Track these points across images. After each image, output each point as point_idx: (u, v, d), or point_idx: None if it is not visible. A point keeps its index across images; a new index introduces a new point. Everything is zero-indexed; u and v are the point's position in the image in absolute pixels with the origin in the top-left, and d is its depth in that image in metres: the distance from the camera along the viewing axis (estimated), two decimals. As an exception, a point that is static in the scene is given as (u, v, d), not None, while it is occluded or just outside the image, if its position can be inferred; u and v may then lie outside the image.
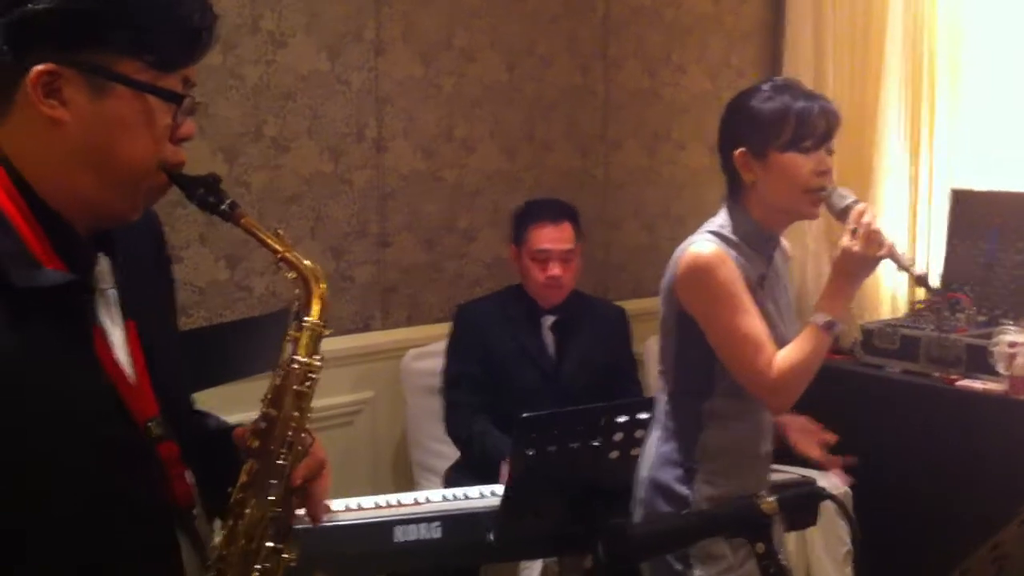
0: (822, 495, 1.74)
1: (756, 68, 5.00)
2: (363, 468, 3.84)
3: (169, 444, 1.37)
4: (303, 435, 1.41)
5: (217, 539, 1.42)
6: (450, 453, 3.55)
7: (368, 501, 2.86)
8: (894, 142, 4.61)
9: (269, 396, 1.41)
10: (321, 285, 1.44)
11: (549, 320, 3.56)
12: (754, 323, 2.25)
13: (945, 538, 3.67)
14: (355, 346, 3.79)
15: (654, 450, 2.43)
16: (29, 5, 1.22)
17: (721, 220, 2.37)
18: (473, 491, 2.99)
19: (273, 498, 1.38)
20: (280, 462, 1.38)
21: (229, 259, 3.50)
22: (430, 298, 4.06)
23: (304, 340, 1.42)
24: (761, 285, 2.33)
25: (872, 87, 4.64)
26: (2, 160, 1.26)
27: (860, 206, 2.23)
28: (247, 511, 1.38)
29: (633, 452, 2.75)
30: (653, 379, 3.89)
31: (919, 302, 4.32)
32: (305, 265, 1.44)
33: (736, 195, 2.37)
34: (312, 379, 1.42)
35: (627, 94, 4.63)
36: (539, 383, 3.48)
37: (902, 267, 2.24)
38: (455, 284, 4.12)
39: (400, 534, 2.74)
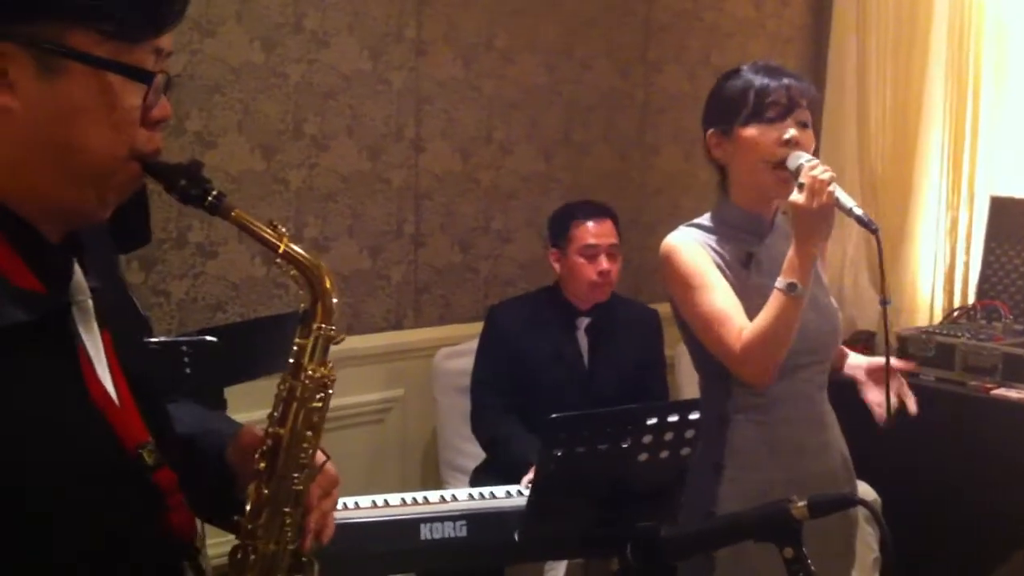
0: (854, 501, 1.74)
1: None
2: (392, 465, 3.86)
3: (165, 471, 1.19)
4: (317, 455, 1.28)
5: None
6: (478, 453, 3.56)
7: (395, 498, 2.88)
8: (935, 147, 4.58)
9: (276, 413, 1.26)
10: (327, 282, 1.26)
11: (584, 322, 3.56)
12: (719, 298, 2.22)
13: (977, 548, 3.65)
14: (387, 344, 3.81)
15: (696, 451, 2.43)
16: None
17: (706, 213, 2.38)
18: (500, 490, 3.00)
19: (288, 529, 1.25)
20: (295, 487, 1.25)
21: (266, 256, 3.52)
22: (463, 298, 4.08)
23: (311, 348, 1.27)
24: (748, 264, 2.31)
25: (915, 92, 4.61)
26: None
27: (812, 162, 2.18)
28: (260, 544, 1.25)
29: (663, 455, 2.75)
30: (684, 382, 3.90)
31: (956, 309, 4.29)
32: (308, 260, 1.26)
33: (722, 183, 2.37)
34: (326, 393, 1.27)
35: (667, 98, 4.63)
36: (570, 385, 3.47)
37: (844, 211, 2.17)
38: (488, 284, 4.13)
39: (426, 532, 2.75)
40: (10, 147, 1.08)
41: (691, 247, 2.28)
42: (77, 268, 1.16)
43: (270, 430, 1.26)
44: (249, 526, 1.25)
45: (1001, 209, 4.23)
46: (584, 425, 2.70)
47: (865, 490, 3.62)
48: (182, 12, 1.13)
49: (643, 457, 2.74)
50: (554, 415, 2.68)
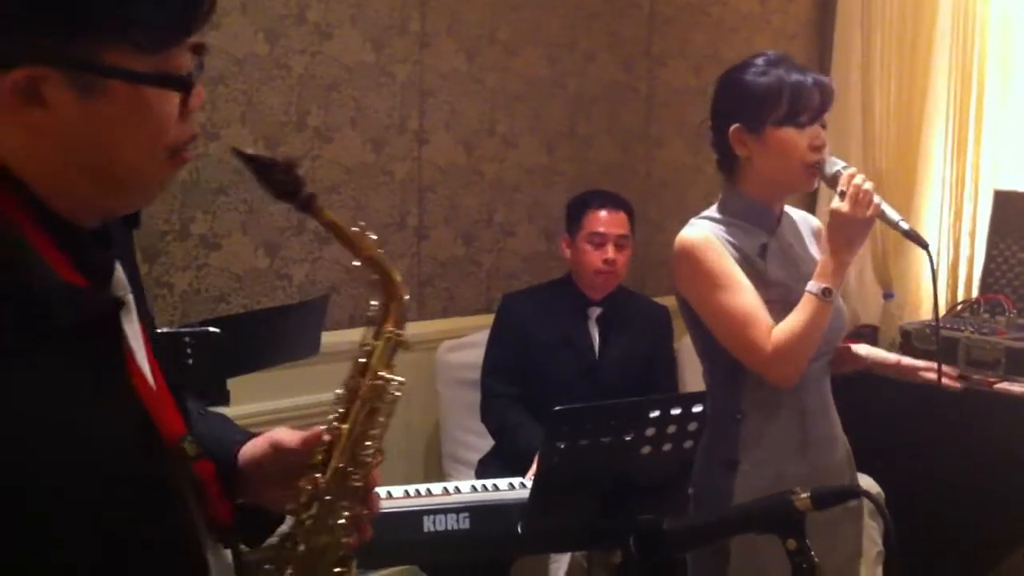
0: (857, 492, 1.74)
1: (801, 67, 4.97)
2: (395, 458, 3.86)
3: (204, 462, 1.23)
4: (375, 453, 1.31)
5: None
6: (481, 445, 3.56)
7: (398, 490, 2.88)
8: (939, 142, 4.57)
9: (339, 410, 1.29)
10: (401, 289, 1.31)
11: (595, 312, 3.57)
12: (745, 299, 2.21)
13: (980, 542, 3.65)
14: (391, 336, 3.81)
15: (700, 447, 2.43)
16: None
17: (716, 204, 2.36)
18: (503, 483, 3.00)
19: (344, 523, 1.28)
20: (355, 483, 1.28)
21: (268, 247, 3.52)
22: (466, 291, 4.07)
23: (380, 350, 1.30)
24: (763, 255, 2.31)
25: (919, 87, 4.61)
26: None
27: (850, 170, 2.20)
28: (311, 536, 1.27)
29: (666, 448, 2.75)
30: (688, 376, 3.90)
31: (959, 303, 4.29)
32: (391, 268, 1.31)
33: (730, 174, 2.35)
34: (391, 395, 1.30)
35: (671, 92, 4.62)
36: (578, 375, 3.48)
37: (891, 225, 2.19)
38: (491, 277, 4.13)
39: (429, 524, 2.75)
40: (48, 160, 1.08)
41: (714, 244, 2.26)
42: (117, 264, 1.18)
43: (332, 426, 1.29)
44: (301, 516, 1.27)
45: (1005, 203, 4.23)
46: (587, 418, 2.70)
47: (868, 484, 3.61)
48: (212, 8, 1.12)
49: (646, 450, 2.74)
50: (557, 407, 2.68)
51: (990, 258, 4.22)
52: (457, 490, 2.93)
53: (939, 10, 4.55)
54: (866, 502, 2.29)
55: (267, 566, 1.28)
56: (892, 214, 2.20)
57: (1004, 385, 3.73)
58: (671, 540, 1.73)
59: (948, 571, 3.70)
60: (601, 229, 3.48)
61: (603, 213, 3.50)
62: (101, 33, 1.04)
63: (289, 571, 1.27)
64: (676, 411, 2.71)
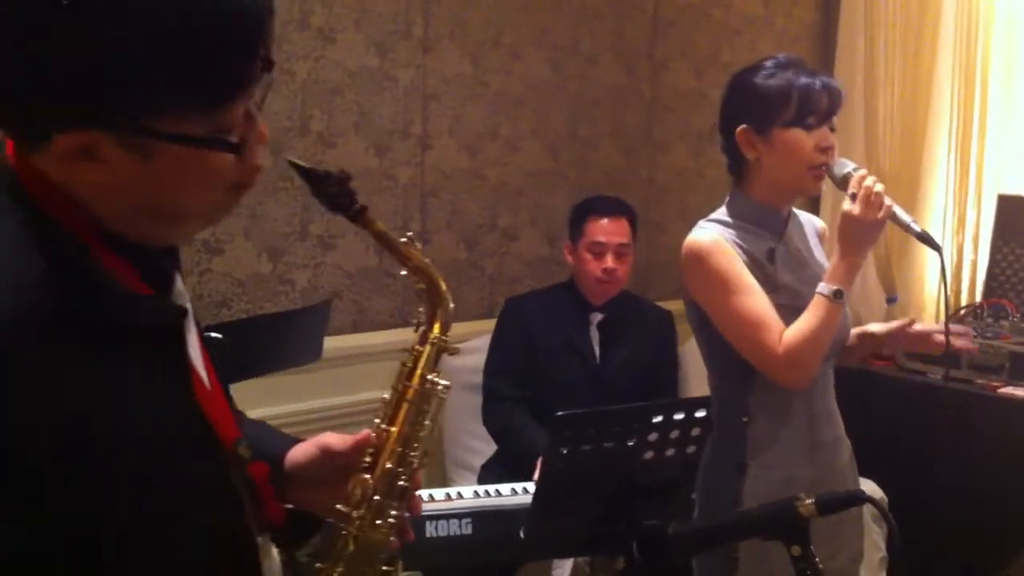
0: (862, 498, 1.73)
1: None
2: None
3: (259, 465, 1.27)
4: (421, 456, 1.36)
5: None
6: (484, 450, 3.55)
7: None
8: (943, 145, 4.57)
9: (387, 412, 1.35)
10: (448, 297, 1.39)
11: (597, 317, 3.58)
12: (756, 303, 2.22)
13: (984, 547, 3.64)
14: (394, 341, 3.79)
15: (707, 449, 2.42)
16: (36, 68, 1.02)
17: (724, 207, 2.36)
18: (505, 488, 3.00)
19: (393, 520, 1.33)
20: (402, 484, 1.33)
21: (271, 252, 3.52)
22: (469, 295, 4.07)
23: (427, 355, 1.36)
24: (772, 259, 2.31)
25: (923, 90, 4.60)
26: (60, 190, 1.09)
27: (861, 172, 2.19)
28: (364, 533, 1.32)
29: (669, 453, 2.74)
30: (692, 380, 3.89)
31: (962, 308, 4.28)
32: (437, 276, 1.38)
33: (738, 177, 2.35)
34: (437, 398, 1.36)
35: (674, 95, 4.62)
36: (581, 379, 3.48)
37: (903, 227, 2.19)
38: (494, 282, 4.13)
39: (431, 529, 2.75)
40: (112, 204, 1.10)
41: (723, 247, 2.26)
42: (177, 276, 1.23)
43: (379, 428, 1.34)
44: (353, 514, 1.32)
45: (1008, 207, 4.23)
46: (590, 423, 2.70)
47: (872, 489, 3.61)
48: (266, 66, 1.10)
49: (649, 455, 2.73)
50: (560, 412, 2.67)
51: (994, 262, 4.22)
52: (459, 495, 2.93)
53: (942, 13, 4.55)
54: (870, 507, 2.29)
55: (317, 565, 1.33)
56: (904, 216, 2.19)
57: (1008, 389, 3.73)
58: (675, 545, 1.72)
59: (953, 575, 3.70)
60: (601, 238, 3.49)
61: (604, 222, 3.50)
62: (151, 100, 1.03)
63: (339, 570, 1.32)
64: (679, 416, 2.70)
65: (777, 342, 2.20)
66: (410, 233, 1.38)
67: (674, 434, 2.69)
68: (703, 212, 2.40)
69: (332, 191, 1.28)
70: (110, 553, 1.08)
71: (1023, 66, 4.45)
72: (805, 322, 2.19)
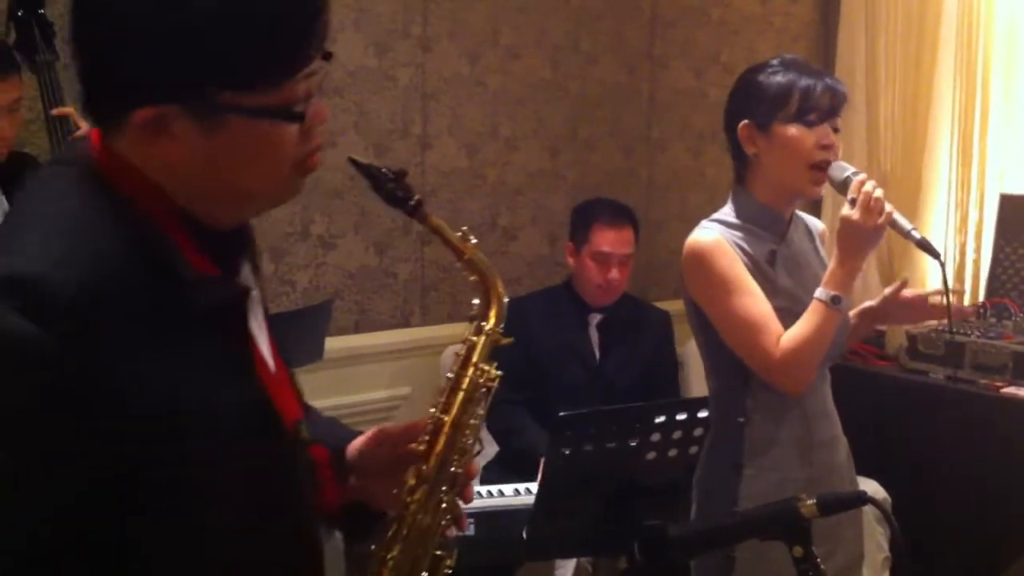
0: (864, 499, 1.72)
1: (804, 70, 4.96)
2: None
3: (319, 447, 1.34)
4: (473, 443, 1.40)
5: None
6: (487, 451, 3.55)
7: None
8: (945, 145, 4.56)
9: (441, 400, 1.39)
10: (501, 290, 1.44)
11: (596, 318, 3.58)
12: (755, 305, 2.21)
13: (987, 548, 3.63)
14: (394, 342, 3.80)
15: (704, 449, 2.41)
16: (113, 47, 1.13)
17: (726, 207, 2.35)
18: (508, 488, 3.00)
19: (444, 507, 1.37)
20: (454, 470, 1.37)
21: (273, 253, 3.52)
22: (470, 296, 4.05)
23: (481, 346, 1.42)
24: (772, 262, 2.30)
25: (924, 89, 4.59)
26: (136, 171, 1.17)
27: (860, 176, 2.18)
28: (418, 517, 1.35)
29: (671, 453, 2.74)
30: (693, 380, 3.89)
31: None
32: (490, 269, 1.43)
33: (741, 178, 2.35)
34: (490, 387, 1.41)
35: (673, 94, 4.61)
36: (583, 381, 3.48)
37: (903, 234, 2.18)
38: (496, 282, 4.12)
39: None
40: (185, 182, 1.17)
41: (724, 248, 2.25)
42: (246, 263, 1.29)
43: (435, 416, 1.38)
44: (407, 500, 1.35)
45: (1011, 207, 4.22)
46: (592, 423, 2.70)
47: (874, 489, 3.61)
48: (320, 45, 1.19)
49: (651, 455, 2.73)
50: (562, 413, 2.67)
51: (996, 262, 4.21)
52: (462, 496, 2.92)
53: (943, 12, 4.53)
54: (873, 508, 2.28)
55: (372, 547, 1.36)
56: (904, 223, 2.18)
57: (1011, 389, 3.72)
58: (676, 546, 1.72)
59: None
60: (606, 249, 3.48)
61: (610, 232, 3.49)
62: (214, 76, 1.12)
63: (393, 554, 1.35)
64: (681, 416, 2.70)
65: (774, 345, 2.19)
66: (465, 228, 1.42)
67: (676, 434, 2.69)
68: (703, 212, 2.39)
69: (391, 187, 1.33)
70: (178, 531, 1.13)
71: (1024, 63, 4.44)
72: (802, 327, 2.19)
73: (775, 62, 2.30)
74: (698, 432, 2.69)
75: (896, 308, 2.45)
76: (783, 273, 2.30)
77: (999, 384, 3.75)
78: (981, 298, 4.30)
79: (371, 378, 3.70)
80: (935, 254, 2.20)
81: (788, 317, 2.22)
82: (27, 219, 1.15)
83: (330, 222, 3.67)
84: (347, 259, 3.70)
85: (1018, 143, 4.44)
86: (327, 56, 1.21)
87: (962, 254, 4.53)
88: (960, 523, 3.70)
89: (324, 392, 3.48)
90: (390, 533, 1.36)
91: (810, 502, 1.58)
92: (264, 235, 3.46)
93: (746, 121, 2.28)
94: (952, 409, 3.84)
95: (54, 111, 2.70)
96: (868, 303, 2.48)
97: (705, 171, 4.67)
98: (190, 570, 1.17)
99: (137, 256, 1.14)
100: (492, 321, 1.42)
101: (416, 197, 1.35)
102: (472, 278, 1.42)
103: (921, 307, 2.43)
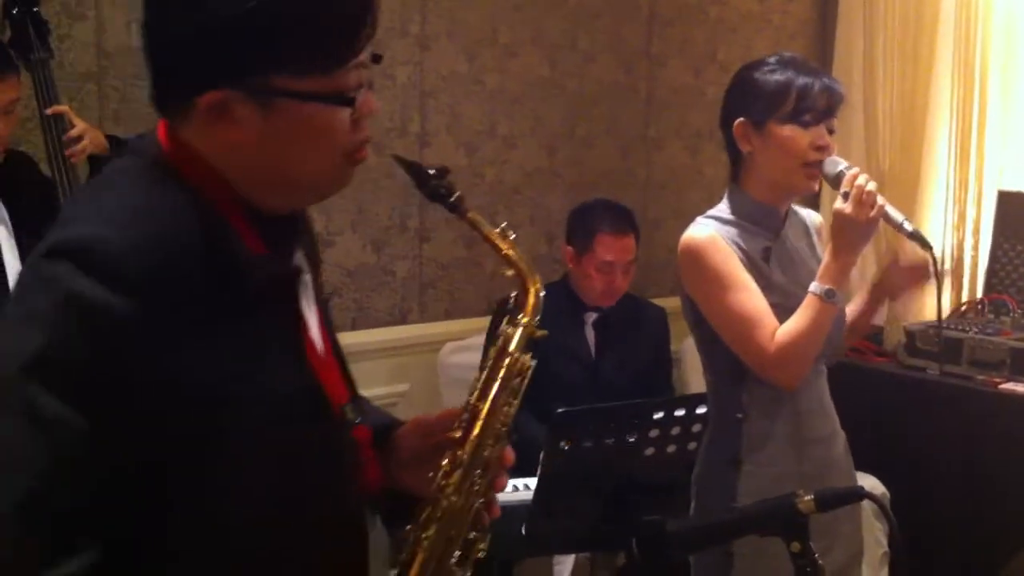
0: (861, 495, 1.72)
1: (802, 68, 4.96)
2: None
3: (363, 428, 1.38)
4: (508, 430, 1.43)
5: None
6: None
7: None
8: (943, 142, 4.56)
9: (478, 388, 1.44)
10: (537, 286, 1.49)
11: (592, 317, 3.57)
12: (750, 300, 2.21)
13: (986, 543, 3.64)
14: (392, 339, 3.80)
15: (703, 445, 2.42)
16: (178, 35, 1.20)
17: (722, 204, 2.36)
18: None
19: (477, 489, 1.40)
20: (487, 454, 1.41)
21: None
22: (468, 293, 4.07)
23: (517, 337, 1.46)
24: (767, 258, 2.30)
25: (922, 87, 4.59)
26: (200, 158, 1.24)
27: (853, 170, 2.19)
28: (452, 499, 1.39)
29: (669, 450, 2.74)
30: (691, 377, 3.89)
31: (963, 304, 4.28)
32: (526, 265, 1.48)
33: (736, 175, 2.35)
34: (524, 377, 1.46)
35: (671, 93, 4.61)
36: (579, 378, 3.48)
37: (895, 227, 2.19)
38: (493, 279, 4.12)
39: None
40: (244, 168, 1.24)
41: (720, 244, 2.26)
42: (299, 249, 1.34)
43: (470, 403, 1.43)
44: (442, 483, 1.39)
45: (1008, 204, 4.23)
46: (590, 420, 2.70)
47: (873, 485, 3.61)
48: (371, 34, 1.26)
49: (649, 451, 2.74)
50: (560, 409, 2.67)
51: (994, 258, 4.21)
52: (460, 492, 2.92)
53: (941, 10, 4.53)
54: (871, 503, 2.28)
55: (408, 527, 1.41)
56: (896, 215, 2.19)
57: (1009, 385, 3.72)
58: (675, 542, 1.72)
59: (954, 573, 3.69)
60: (610, 258, 3.47)
61: (614, 242, 3.47)
62: (272, 61, 1.19)
63: (429, 533, 1.39)
64: (680, 412, 2.71)
65: (769, 340, 2.19)
66: (504, 224, 1.48)
67: (675, 431, 2.70)
68: (700, 210, 2.40)
69: (433, 183, 1.41)
70: (227, 511, 1.19)
71: (1022, 61, 4.44)
72: (797, 321, 2.19)
73: (772, 60, 2.30)
74: (696, 428, 2.70)
75: (896, 282, 2.44)
76: (778, 269, 2.30)
77: (997, 380, 3.76)
78: (979, 294, 4.31)
79: (369, 375, 3.68)
80: (927, 245, 2.21)
81: (783, 313, 2.22)
82: (92, 205, 1.21)
83: (328, 220, 3.67)
84: (345, 256, 3.70)
85: (1016, 140, 4.44)
86: (376, 59, 1.28)
87: (960, 251, 4.53)
88: (958, 518, 3.71)
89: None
90: (425, 514, 1.39)
91: (808, 498, 1.58)
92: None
93: (742, 119, 2.29)
94: (950, 405, 3.85)
95: (48, 110, 2.69)
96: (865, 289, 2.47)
97: (702, 169, 4.67)
98: (216, 562, 1.21)
99: (199, 239, 1.19)
100: (528, 314, 1.48)
101: (457, 194, 1.42)
102: (509, 273, 1.48)
103: (921, 273, 2.41)
